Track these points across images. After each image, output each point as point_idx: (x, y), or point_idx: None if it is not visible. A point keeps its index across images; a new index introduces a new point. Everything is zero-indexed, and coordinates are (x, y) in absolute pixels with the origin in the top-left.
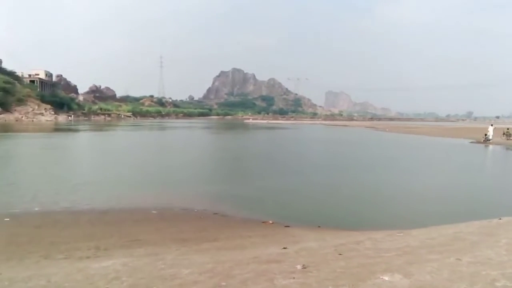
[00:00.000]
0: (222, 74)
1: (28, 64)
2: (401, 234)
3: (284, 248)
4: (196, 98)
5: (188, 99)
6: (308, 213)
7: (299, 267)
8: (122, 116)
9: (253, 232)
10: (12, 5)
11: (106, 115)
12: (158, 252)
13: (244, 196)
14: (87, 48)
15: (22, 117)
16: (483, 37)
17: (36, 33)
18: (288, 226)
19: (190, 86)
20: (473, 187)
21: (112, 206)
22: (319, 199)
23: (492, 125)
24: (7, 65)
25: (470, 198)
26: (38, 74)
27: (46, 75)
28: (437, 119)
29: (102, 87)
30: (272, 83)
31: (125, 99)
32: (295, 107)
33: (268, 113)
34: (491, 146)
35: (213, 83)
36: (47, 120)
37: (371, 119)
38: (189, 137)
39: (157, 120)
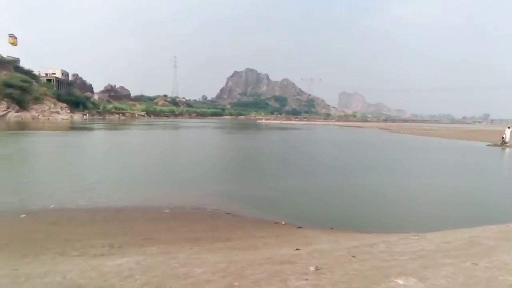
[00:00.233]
0: (236, 74)
1: (45, 63)
2: (416, 237)
3: (297, 249)
4: (209, 98)
5: (201, 99)
6: (321, 215)
7: (312, 268)
8: (136, 115)
9: (266, 233)
10: (29, 4)
11: (121, 114)
12: (171, 251)
13: (256, 196)
14: (102, 47)
15: (38, 115)
16: (501, 38)
17: (51, 31)
18: (301, 227)
19: (204, 86)
20: (489, 191)
21: (126, 204)
22: (332, 201)
23: (509, 127)
24: (25, 64)
25: (486, 202)
26: (54, 73)
27: (62, 74)
28: (453, 121)
29: (117, 86)
30: (286, 84)
31: (139, 99)
32: (308, 107)
33: (281, 114)
34: (508, 149)
35: (227, 83)
36: (63, 119)
37: (385, 120)
38: (201, 137)
39: (171, 119)
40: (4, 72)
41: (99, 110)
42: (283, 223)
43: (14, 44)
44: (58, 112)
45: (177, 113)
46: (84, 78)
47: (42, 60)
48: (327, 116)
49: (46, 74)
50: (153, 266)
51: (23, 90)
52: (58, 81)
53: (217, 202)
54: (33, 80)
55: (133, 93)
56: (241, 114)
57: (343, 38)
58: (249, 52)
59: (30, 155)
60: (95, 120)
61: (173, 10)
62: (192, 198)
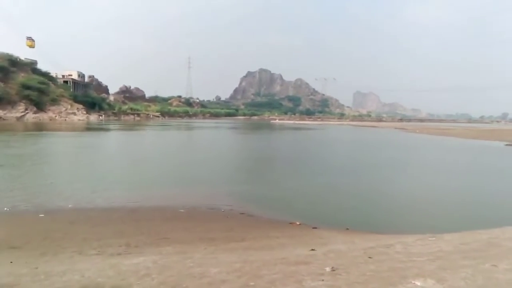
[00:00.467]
0: (249, 74)
1: (62, 65)
2: (433, 238)
3: (312, 249)
4: (223, 98)
5: (215, 100)
6: (336, 215)
7: (328, 269)
8: (151, 116)
9: (281, 233)
10: (44, 5)
11: (136, 115)
12: (186, 251)
13: (270, 196)
14: (118, 48)
15: (55, 116)
16: None
17: (68, 33)
18: (316, 228)
19: (217, 86)
20: (509, 192)
21: (142, 204)
22: (347, 201)
23: None
24: (42, 66)
25: (505, 203)
26: (71, 75)
27: (78, 75)
28: (470, 120)
29: (132, 87)
30: (299, 84)
31: (154, 99)
32: (322, 107)
33: (294, 114)
34: None
35: (240, 83)
36: (79, 120)
37: (401, 120)
38: (215, 137)
39: (185, 120)
40: (22, 74)
41: (114, 111)
42: (297, 223)
43: (32, 46)
44: (74, 113)
45: (191, 113)
46: (100, 80)
47: (58, 62)
48: (341, 116)
49: (63, 76)
50: (169, 265)
51: (41, 91)
52: (74, 82)
53: (231, 202)
54: (50, 82)
55: (148, 94)
56: (254, 115)
57: (359, 38)
58: (263, 52)
59: (50, 155)
60: (110, 121)
61: (183, 12)
62: (206, 198)
